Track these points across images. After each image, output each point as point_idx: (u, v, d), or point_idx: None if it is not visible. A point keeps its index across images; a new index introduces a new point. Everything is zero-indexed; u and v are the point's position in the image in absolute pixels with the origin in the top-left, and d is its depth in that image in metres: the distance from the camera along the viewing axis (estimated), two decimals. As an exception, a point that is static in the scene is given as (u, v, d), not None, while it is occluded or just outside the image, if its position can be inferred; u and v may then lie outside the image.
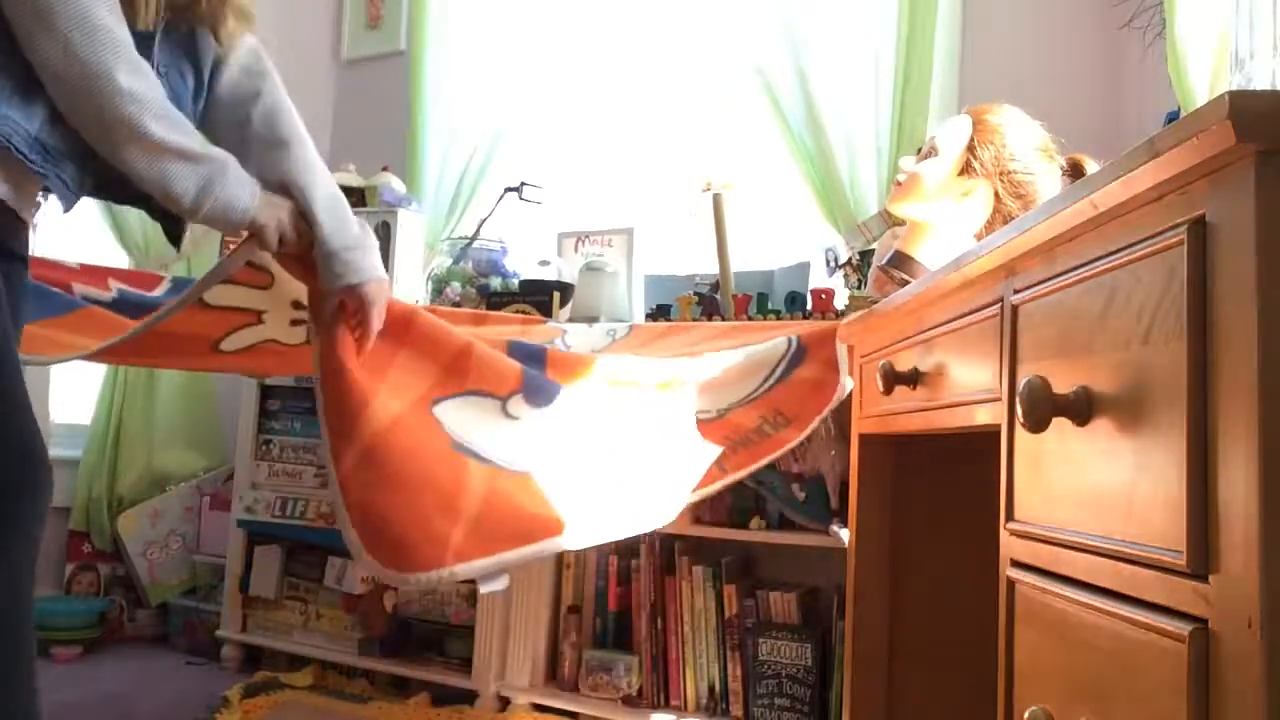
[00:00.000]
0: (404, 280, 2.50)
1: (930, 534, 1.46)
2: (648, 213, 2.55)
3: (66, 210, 1.31)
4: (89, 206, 2.73)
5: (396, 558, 1.19)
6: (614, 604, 2.12)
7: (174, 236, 1.40)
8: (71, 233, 2.52)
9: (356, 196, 2.50)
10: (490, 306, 2.23)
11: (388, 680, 2.32)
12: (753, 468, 1.52)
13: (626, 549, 2.13)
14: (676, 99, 2.63)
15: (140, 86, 1.16)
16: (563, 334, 1.82)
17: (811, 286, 2.11)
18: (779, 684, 1.90)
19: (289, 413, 2.49)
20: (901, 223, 1.75)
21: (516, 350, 1.53)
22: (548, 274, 2.37)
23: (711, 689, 2.00)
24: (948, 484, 1.46)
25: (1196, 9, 1.49)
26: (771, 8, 2.31)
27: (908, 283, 1.52)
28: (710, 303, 2.12)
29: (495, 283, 2.40)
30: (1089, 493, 0.66)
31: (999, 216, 1.52)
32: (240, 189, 1.25)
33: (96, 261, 2.00)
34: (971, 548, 1.37)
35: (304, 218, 1.33)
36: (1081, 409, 0.66)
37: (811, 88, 2.26)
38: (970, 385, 0.97)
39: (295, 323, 1.59)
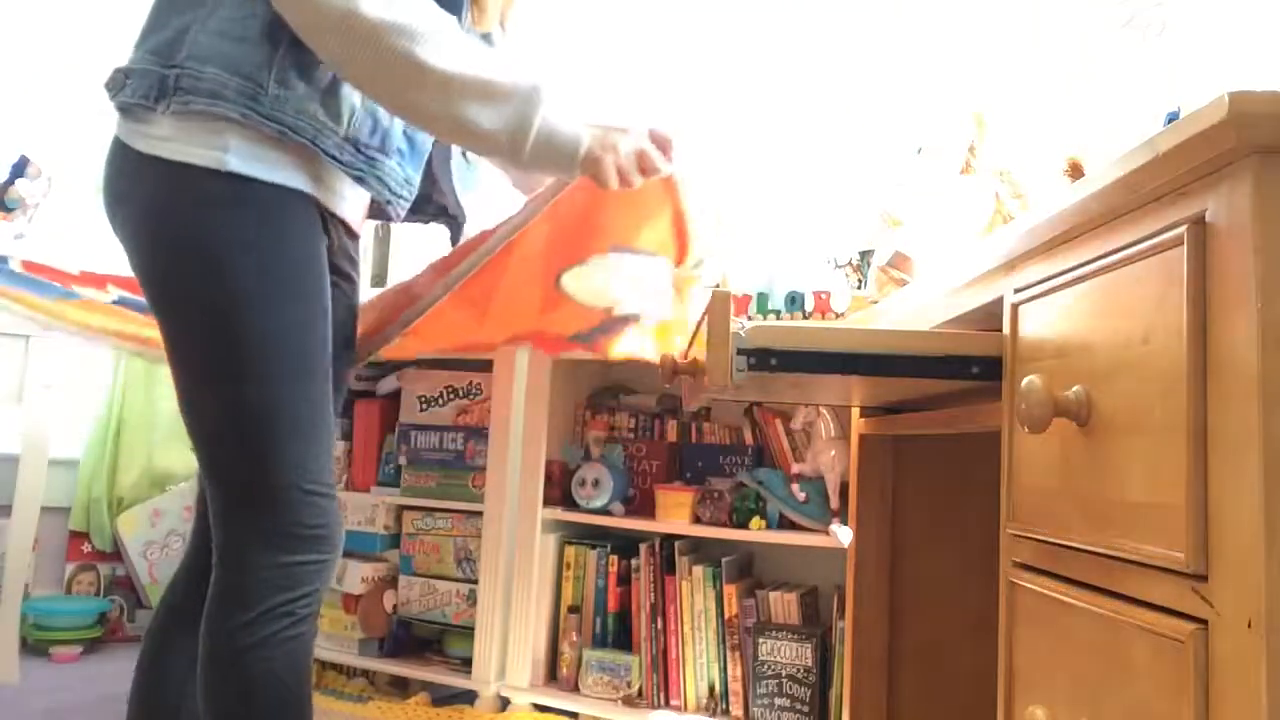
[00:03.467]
0: (404, 277, 2.49)
1: (930, 534, 1.46)
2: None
3: (398, 218, 1.17)
4: (91, 206, 2.73)
5: None
6: (614, 604, 2.11)
7: (455, 240, 1.24)
8: (70, 232, 2.52)
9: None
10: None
11: (388, 680, 2.33)
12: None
13: (626, 549, 2.13)
14: (677, 95, 2.63)
15: (396, 13, 0.95)
16: None
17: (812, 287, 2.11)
18: (779, 684, 1.90)
19: (289, 413, 2.49)
20: (901, 223, 1.75)
21: None
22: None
23: (711, 689, 2.00)
24: (948, 484, 1.46)
25: (1197, 8, 1.49)
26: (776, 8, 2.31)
27: (907, 283, 1.52)
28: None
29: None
30: (1089, 493, 0.66)
31: (999, 216, 1.52)
32: (561, 118, 1.03)
33: (96, 265, 2.00)
34: (972, 548, 1.37)
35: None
36: (1081, 409, 0.66)
37: (808, 87, 2.26)
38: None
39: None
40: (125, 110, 1.01)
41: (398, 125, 1.13)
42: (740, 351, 0.83)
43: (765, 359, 0.83)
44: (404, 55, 0.94)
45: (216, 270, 0.97)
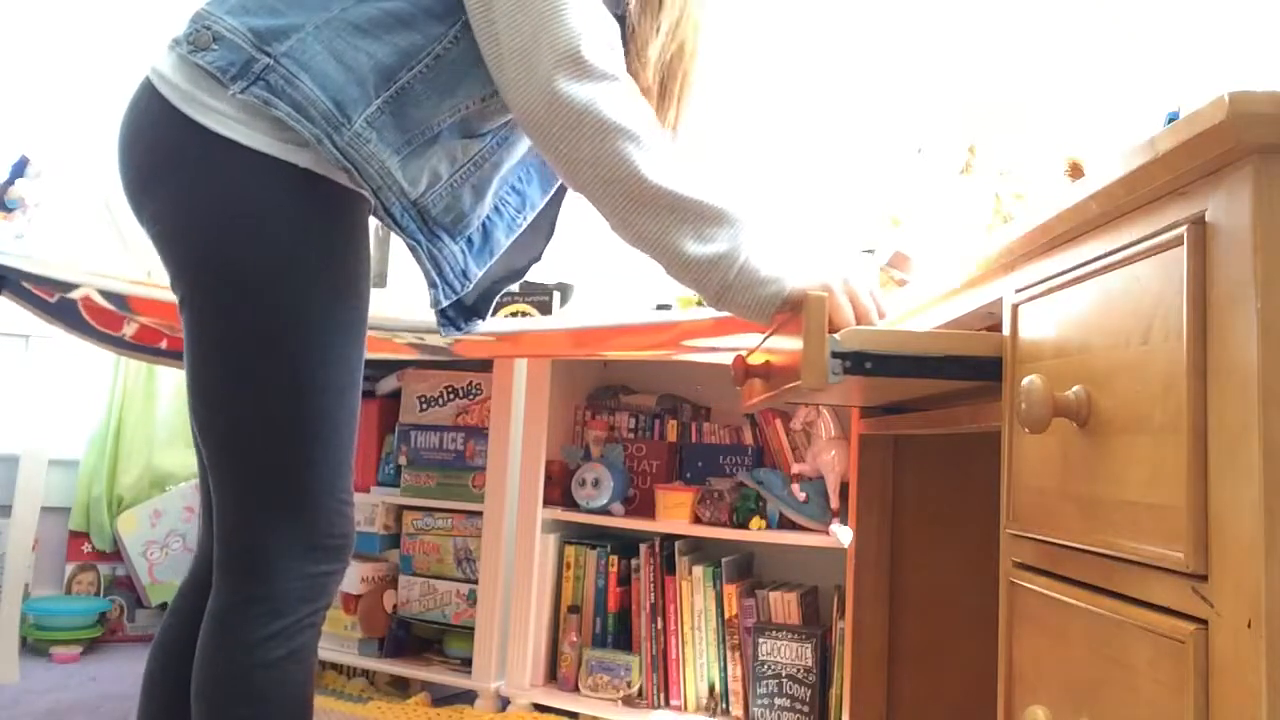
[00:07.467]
0: (406, 282, 2.50)
1: (930, 534, 1.46)
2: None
3: (436, 305, 1.08)
4: (89, 204, 2.73)
5: None
6: (614, 604, 2.11)
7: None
8: (70, 232, 2.52)
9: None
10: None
11: (388, 680, 2.33)
12: None
13: (626, 549, 2.13)
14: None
15: (629, 117, 0.90)
16: None
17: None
18: (779, 684, 1.90)
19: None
20: (901, 222, 1.75)
21: None
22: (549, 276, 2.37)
23: (711, 689, 2.00)
24: (948, 484, 1.46)
25: (1196, 8, 1.49)
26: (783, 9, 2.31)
27: (907, 282, 1.52)
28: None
29: (495, 283, 2.40)
30: (1088, 493, 0.66)
31: (999, 216, 1.51)
32: (766, 258, 0.93)
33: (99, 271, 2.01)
34: (972, 548, 1.37)
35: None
36: (1081, 409, 0.66)
37: (808, 86, 2.26)
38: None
39: None
40: (192, 70, 0.92)
41: (478, 215, 1.08)
42: (834, 355, 0.84)
43: (860, 362, 0.85)
44: (625, 162, 0.90)
45: (297, 270, 0.92)
